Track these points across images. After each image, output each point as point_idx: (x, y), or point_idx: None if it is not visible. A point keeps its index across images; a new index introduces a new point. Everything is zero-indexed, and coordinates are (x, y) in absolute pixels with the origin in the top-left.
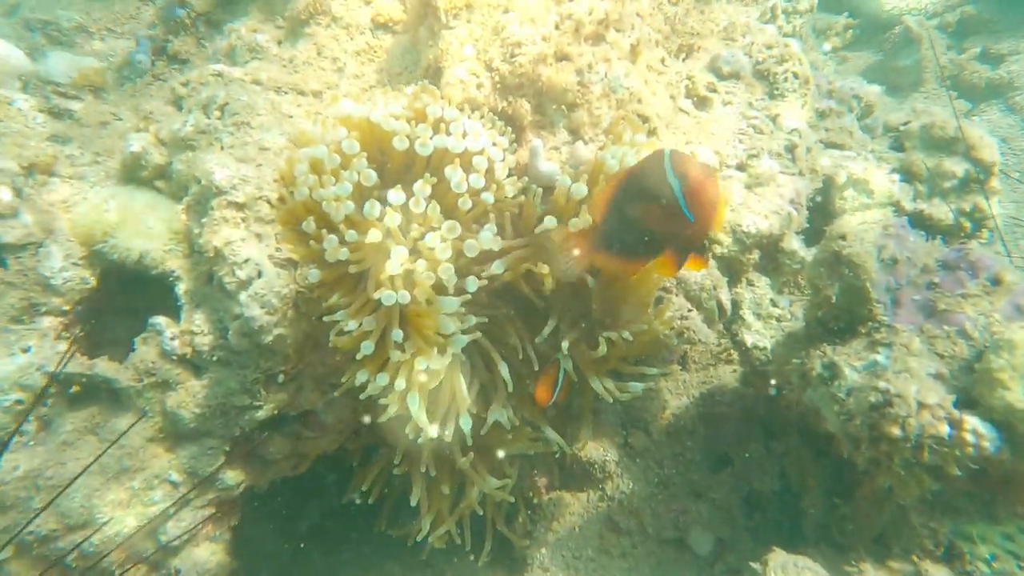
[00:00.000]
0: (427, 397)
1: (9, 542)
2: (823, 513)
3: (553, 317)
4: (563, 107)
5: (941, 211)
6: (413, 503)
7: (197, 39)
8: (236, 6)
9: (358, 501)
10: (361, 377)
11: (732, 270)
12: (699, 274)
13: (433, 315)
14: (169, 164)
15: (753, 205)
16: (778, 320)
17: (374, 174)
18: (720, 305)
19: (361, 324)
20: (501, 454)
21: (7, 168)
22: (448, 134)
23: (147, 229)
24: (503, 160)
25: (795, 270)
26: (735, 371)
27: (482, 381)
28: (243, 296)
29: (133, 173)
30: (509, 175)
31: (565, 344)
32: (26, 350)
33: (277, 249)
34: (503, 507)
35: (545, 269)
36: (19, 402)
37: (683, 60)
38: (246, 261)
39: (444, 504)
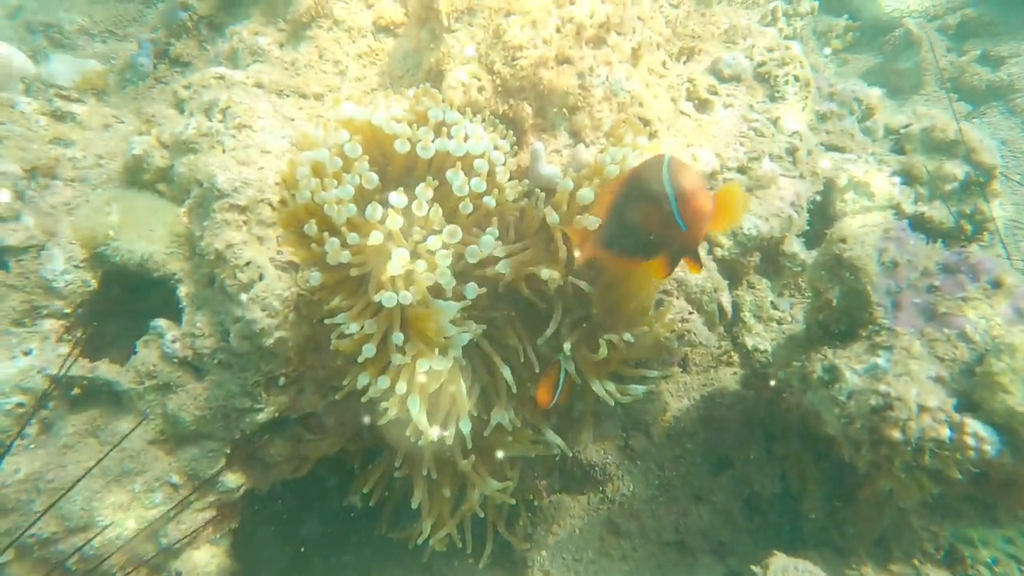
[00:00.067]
0: (427, 400)
1: (10, 545)
2: (824, 516)
3: (555, 319)
4: (564, 110)
5: (942, 214)
6: (414, 505)
7: (199, 42)
8: (238, 9)
9: (359, 505)
10: (362, 380)
11: (733, 273)
12: (700, 277)
13: (433, 317)
14: (171, 167)
15: (754, 208)
16: (779, 323)
17: (376, 177)
18: (721, 308)
19: (363, 327)
20: (500, 455)
21: (9, 171)
22: (450, 137)
23: (149, 232)
24: (504, 163)
25: (796, 273)
26: (736, 373)
27: (482, 384)
28: (244, 299)
29: (135, 176)
30: (510, 178)
31: (567, 346)
32: (27, 353)
33: (279, 252)
34: (504, 510)
35: (546, 273)
36: (20, 405)
37: (684, 63)
38: (247, 264)
39: (445, 507)
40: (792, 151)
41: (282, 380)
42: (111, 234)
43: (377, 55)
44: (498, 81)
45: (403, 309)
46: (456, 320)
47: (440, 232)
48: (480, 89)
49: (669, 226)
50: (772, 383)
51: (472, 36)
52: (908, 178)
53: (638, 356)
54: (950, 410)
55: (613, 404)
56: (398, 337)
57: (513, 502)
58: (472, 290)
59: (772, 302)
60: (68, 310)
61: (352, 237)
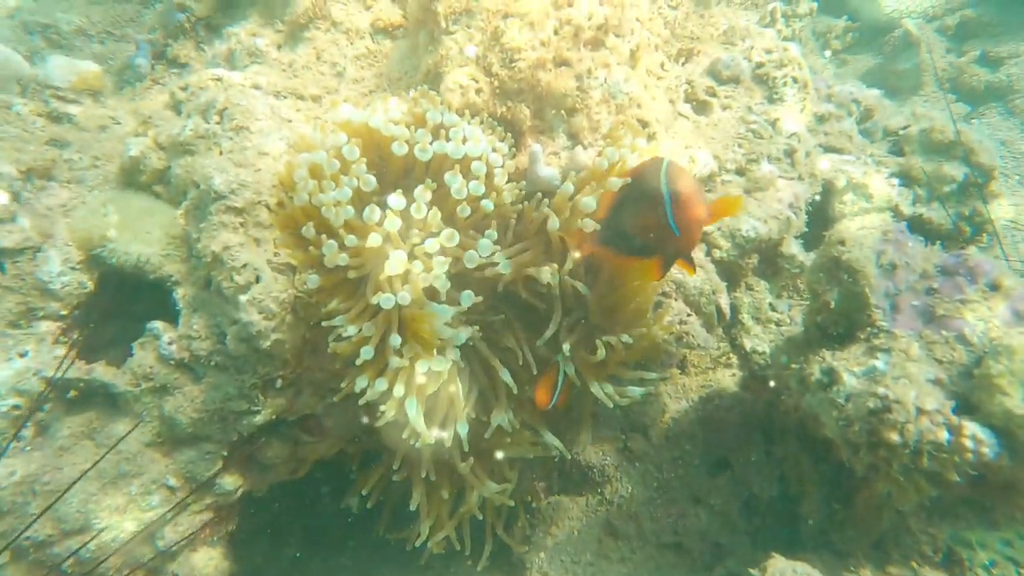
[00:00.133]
0: (425, 402)
1: (6, 547)
2: (822, 518)
3: (554, 321)
4: (562, 112)
5: (940, 215)
6: (413, 507)
7: (196, 43)
8: (236, 10)
9: (355, 509)
10: (360, 383)
11: (731, 274)
12: (698, 279)
13: (428, 319)
14: (168, 169)
15: (752, 209)
16: (777, 324)
17: (373, 179)
18: (719, 310)
19: (360, 330)
20: (500, 455)
21: (5, 172)
22: (448, 140)
23: (145, 234)
24: (502, 166)
25: (794, 274)
26: (734, 375)
27: (481, 386)
28: (241, 301)
29: (132, 177)
30: (508, 181)
31: (566, 346)
32: (23, 355)
33: (276, 254)
34: (503, 511)
35: (545, 274)
36: (16, 407)
37: (683, 64)
38: (244, 266)
39: (443, 509)
40: (790, 153)
41: (279, 382)
42: (111, 235)
43: (375, 57)
44: (496, 83)
45: (400, 312)
46: (451, 323)
47: (438, 235)
48: (478, 91)
49: (663, 230)
50: (771, 384)
51: (470, 38)
52: (907, 180)
53: (636, 358)
54: (948, 413)
55: (612, 406)
56: (396, 339)
57: (512, 504)
58: (468, 298)
59: (771, 304)
60: (64, 312)
61: (350, 239)
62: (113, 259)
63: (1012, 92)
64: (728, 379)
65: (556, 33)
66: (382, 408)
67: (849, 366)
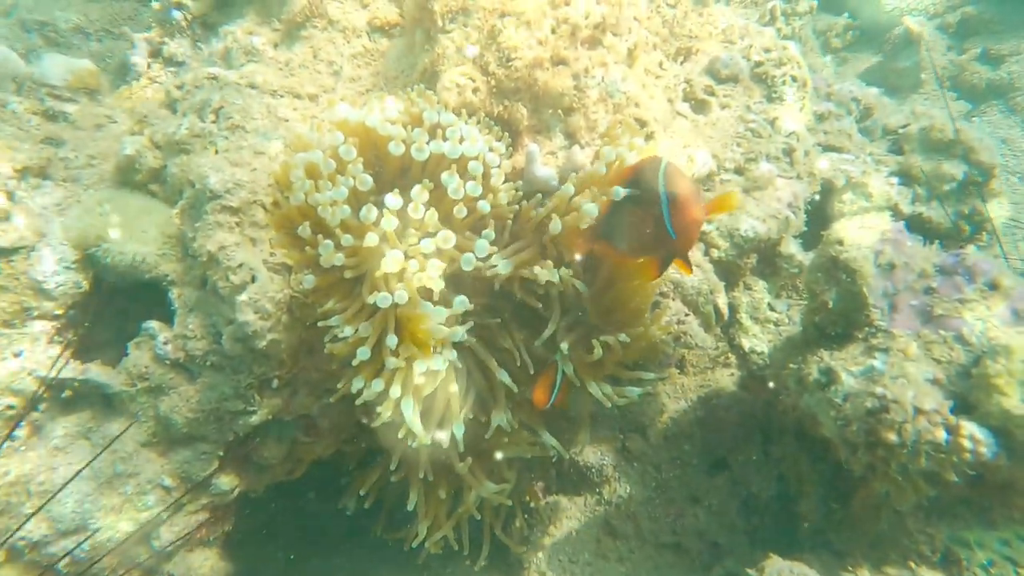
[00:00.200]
0: (421, 403)
1: (0, 547)
2: (820, 518)
3: (553, 321)
4: (559, 112)
5: (940, 214)
6: (410, 507)
7: (193, 41)
8: (232, 8)
9: (352, 510)
10: (357, 384)
11: (729, 274)
12: (696, 279)
13: (424, 319)
14: (163, 168)
15: (751, 209)
16: (776, 324)
17: (370, 179)
18: (717, 309)
19: (357, 330)
20: (499, 456)
21: (0, 171)
22: (444, 139)
23: (141, 233)
24: (499, 166)
25: (793, 274)
26: (733, 375)
27: (478, 387)
28: (237, 301)
29: (127, 176)
30: (505, 181)
31: (564, 345)
32: (18, 354)
33: (271, 254)
34: (501, 512)
35: (543, 274)
36: (11, 407)
37: (681, 63)
38: (240, 266)
39: (441, 509)
40: (789, 152)
41: (275, 382)
42: (103, 235)
43: (372, 55)
44: (493, 82)
45: (396, 312)
46: (446, 323)
47: (435, 235)
48: (475, 90)
49: (660, 231)
50: (770, 384)
51: (467, 37)
52: (906, 178)
53: (634, 358)
54: (946, 412)
55: (610, 406)
56: (392, 340)
57: (510, 503)
58: (462, 303)
59: (769, 304)
60: (59, 311)
61: (346, 239)
62: (108, 258)
63: (1013, 90)
64: (726, 379)
65: (553, 32)
66: (379, 409)
67: (847, 366)
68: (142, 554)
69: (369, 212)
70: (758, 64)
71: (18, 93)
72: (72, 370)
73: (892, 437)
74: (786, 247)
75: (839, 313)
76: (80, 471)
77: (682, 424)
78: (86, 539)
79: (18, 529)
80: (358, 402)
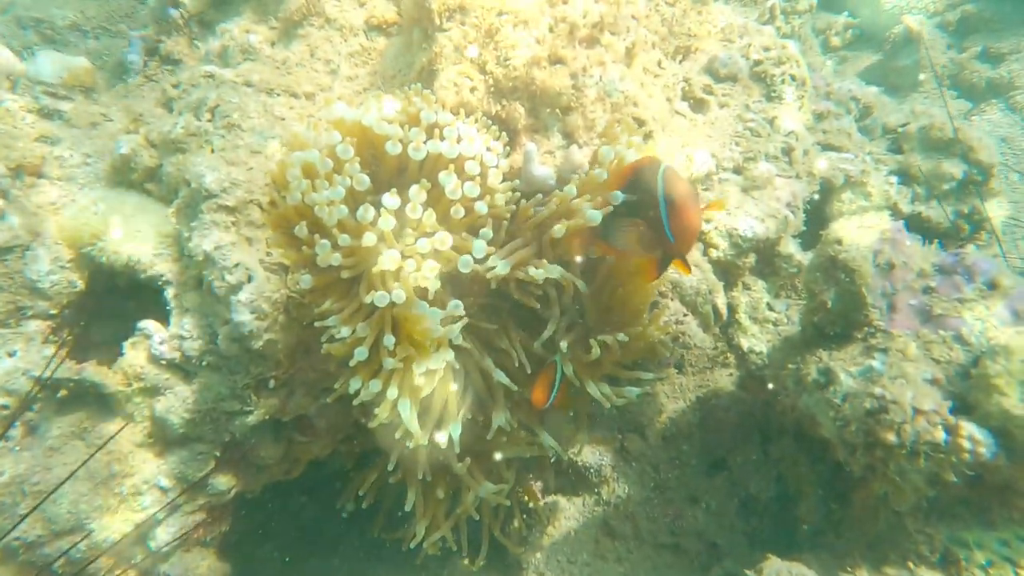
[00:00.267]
0: (419, 404)
1: None
2: (819, 518)
3: (552, 321)
4: (557, 111)
5: (939, 213)
6: (408, 508)
7: (190, 40)
8: (229, 6)
9: (347, 513)
10: (354, 384)
11: (728, 274)
12: (695, 279)
13: (421, 320)
14: (159, 167)
15: (750, 208)
16: (775, 324)
17: (367, 179)
18: (716, 309)
19: (355, 330)
20: (498, 456)
21: None
22: (442, 139)
23: (136, 232)
24: (497, 166)
25: (792, 274)
26: (731, 375)
27: (476, 387)
28: (233, 301)
29: (123, 175)
30: (503, 181)
31: (564, 344)
32: (12, 354)
33: (268, 253)
34: (500, 512)
35: (541, 276)
36: (4, 407)
37: (680, 62)
38: (236, 265)
39: (439, 509)
40: (788, 151)
41: (272, 383)
42: (98, 234)
43: (369, 54)
44: (491, 81)
45: (393, 312)
46: (441, 323)
47: (432, 235)
48: (472, 89)
49: (658, 233)
50: (769, 385)
51: (464, 35)
52: (906, 177)
53: (633, 358)
54: (945, 413)
55: (608, 406)
56: (389, 340)
57: (508, 503)
58: (457, 307)
59: (768, 303)
60: (54, 311)
61: (343, 239)
62: (103, 258)
63: (1013, 88)
64: (725, 379)
65: (551, 31)
66: (376, 410)
67: (846, 366)
68: (138, 554)
69: (366, 212)
70: (757, 63)
71: (13, 90)
72: (67, 370)
73: (891, 438)
74: (785, 247)
75: (838, 313)
76: (75, 471)
77: (681, 424)
78: (81, 540)
79: (12, 529)
80: (355, 402)
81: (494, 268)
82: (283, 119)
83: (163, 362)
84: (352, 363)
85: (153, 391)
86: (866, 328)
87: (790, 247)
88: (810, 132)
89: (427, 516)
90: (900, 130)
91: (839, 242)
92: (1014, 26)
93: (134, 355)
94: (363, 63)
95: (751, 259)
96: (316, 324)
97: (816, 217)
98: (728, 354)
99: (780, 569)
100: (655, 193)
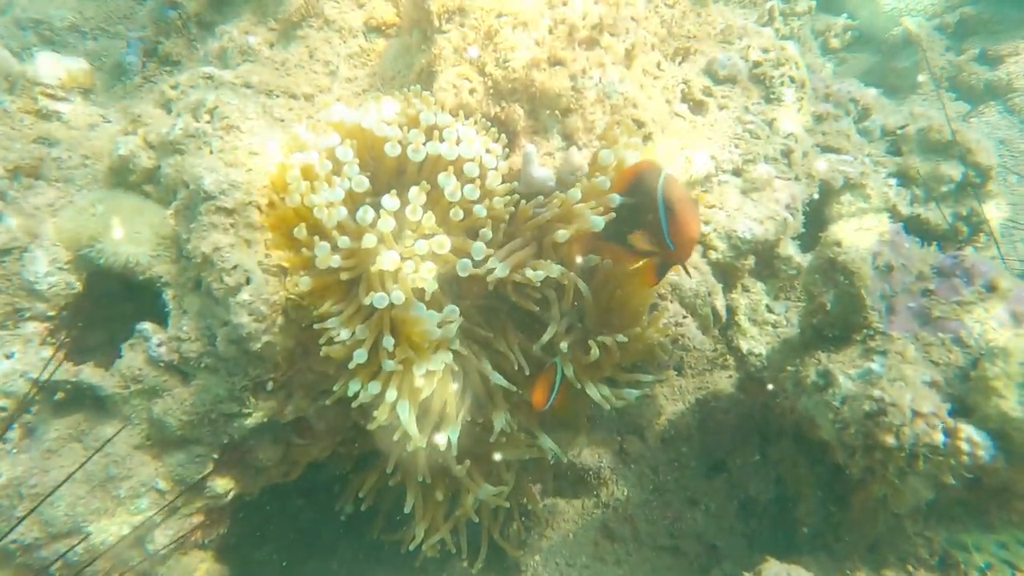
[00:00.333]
0: (418, 406)
1: None
2: (818, 521)
3: (553, 322)
4: (557, 112)
5: (937, 216)
6: (407, 510)
7: (188, 41)
8: (228, 8)
9: (345, 515)
10: (353, 386)
11: (727, 276)
12: (694, 281)
13: (420, 322)
14: (158, 168)
15: (749, 210)
16: (774, 326)
17: (366, 180)
18: (715, 311)
19: (354, 333)
20: (498, 457)
21: None
22: (441, 140)
23: (134, 234)
24: (496, 168)
25: (791, 276)
26: (731, 377)
27: (475, 389)
28: (232, 303)
29: (121, 177)
30: (502, 182)
31: (564, 345)
32: (10, 356)
33: (267, 255)
34: (499, 514)
35: (539, 276)
36: (2, 409)
37: (679, 64)
38: (235, 267)
39: (438, 511)
40: (787, 153)
41: (270, 385)
42: (96, 236)
43: (368, 56)
44: (490, 83)
45: (392, 314)
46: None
47: (431, 237)
48: (472, 91)
49: (657, 242)
50: (768, 387)
51: (464, 37)
52: (904, 179)
53: (632, 360)
54: (944, 415)
55: (608, 408)
56: (388, 342)
57: (508, 506)
58: (453, 311)
59: (767, 305)
60: (51, 313)
61: (342, 241)
62: (101, 259)
63: (1011, 90)
64: (724, 381)
65: (550, 32)
66: (375, 413)
67: (845, 368)
68: (136, 557)
69: (366, 214)
70: (756, 65)
71: (10, 92)
72: (65, 372)
73: (890, 440)
74: (784, 249)
75: (837, 315)
76: (73, 474)
77: (680, 426)
78: (79, 542)
79: (9, 532)
80: (354, 404)
81: (493, 270)
82: (282, 120)
83: (161, 364)
84: (351, 365)
85: (151, 393)
86: (865, 330)
87: (789, 249)
88: (809, 134)
89: (426, 518)
90: (899, 132)
91: (838, 244)
92: (1012, 28)
93: (132, 357)
94: (362, 64)
95: (750, 261)
96: (315, 326)
97: (815, 219)
98: (727, 356)
99: (779, 571)
100: (655, 200)
